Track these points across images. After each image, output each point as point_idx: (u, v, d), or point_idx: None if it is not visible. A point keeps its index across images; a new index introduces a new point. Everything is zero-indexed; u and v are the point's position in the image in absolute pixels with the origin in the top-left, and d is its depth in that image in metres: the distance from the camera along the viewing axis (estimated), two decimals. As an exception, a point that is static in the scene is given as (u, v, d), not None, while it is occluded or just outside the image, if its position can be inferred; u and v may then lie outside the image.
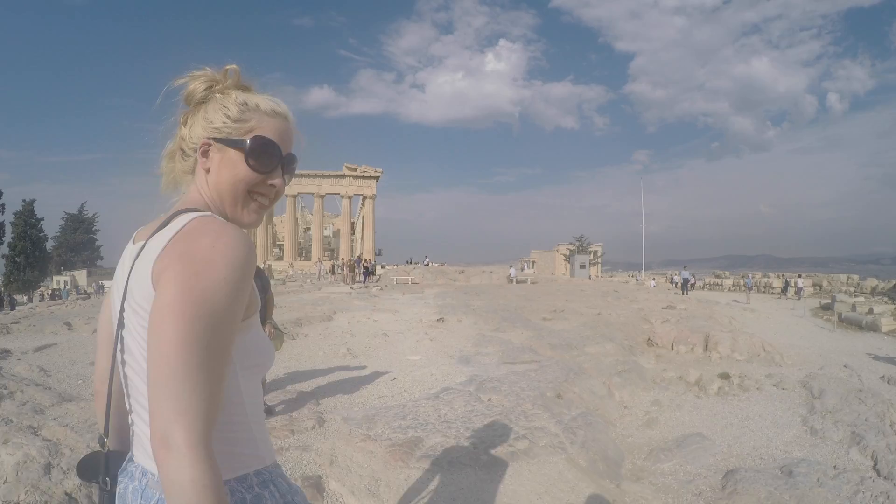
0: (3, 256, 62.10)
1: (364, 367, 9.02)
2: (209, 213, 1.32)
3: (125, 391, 1.34)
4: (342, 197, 69.18)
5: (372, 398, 7.15)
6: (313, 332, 13.31)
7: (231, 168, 1.37)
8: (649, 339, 13.13)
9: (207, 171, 1.39)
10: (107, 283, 51.91)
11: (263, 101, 1.42)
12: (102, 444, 1.45)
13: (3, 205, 49.32)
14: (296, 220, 73.10)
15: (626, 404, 7.69)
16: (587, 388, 7.59)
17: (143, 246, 1.28)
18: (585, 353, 10.26)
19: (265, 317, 6.02)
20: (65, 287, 60.16)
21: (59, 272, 71.40)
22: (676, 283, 50.83)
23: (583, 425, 5.65)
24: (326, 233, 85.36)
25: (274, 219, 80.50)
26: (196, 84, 1.42)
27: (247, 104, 1.40)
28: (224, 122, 1.38)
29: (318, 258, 60.57)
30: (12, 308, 35.13)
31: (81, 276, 67.43)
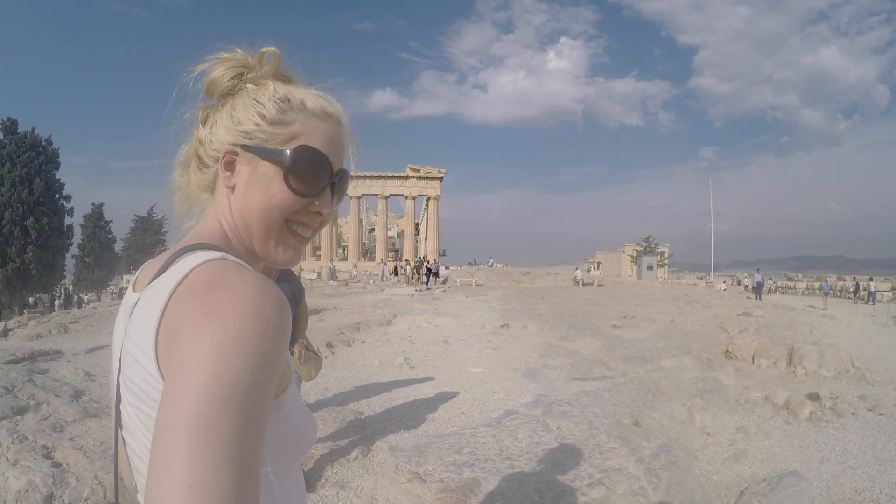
0: (73, 257, 63.72)
1: (421, 381, 8.52)
2: (220, 255, 0.93)
3: (132, 472, 0.96)
4: (406, 198, 69.56)
5: (426, 421, 6.61)
6: (371, 338, 12.93)
7: (264, 188, 0.99)
8: (728, 350, 12.28)
9: (232, 189, 1.02)
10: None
11: (311, 97, 1.04)
12: None
13: (72, 208, 50.71)
14: (360, 221, 73.71)
15: (708, 430, 6.94)
16: (667, 412, 6.88)
17: (137, 302, 0.93)
18: (661, 368, 9.55)
19: (296, 335, 4.93)
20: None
21: (128, 271, 73.47)
22: (747, 287, 49.12)
23: (666, 464, 4.96)
24: (391, 233, 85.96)
25: (339, 220, 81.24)
26: (222, 70, 1.04)
27: (289, 100, 1.02)
28: (257, 125, 1.00)
29: (381, 259, 60.68)
30: (79, 306, 35.89)
31: (150, 275, 67.97)
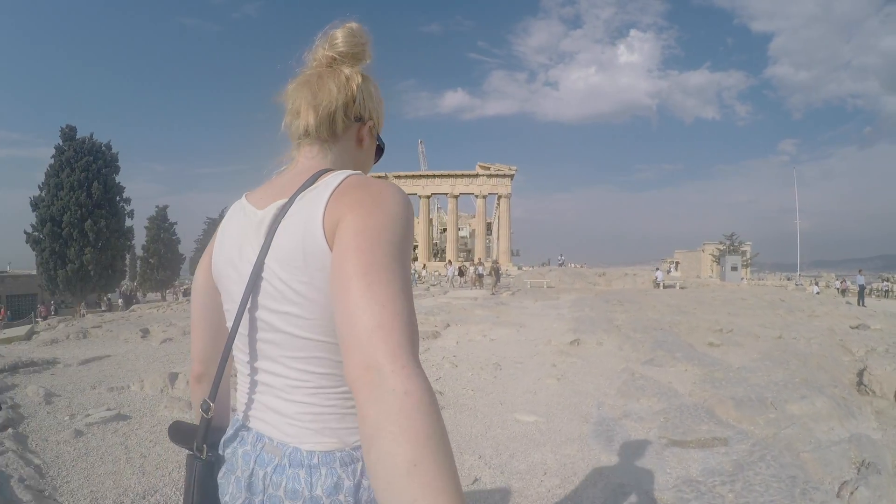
0: (138, 258, 66.66)
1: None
2: (359, 172, 1.30)
3: (247, 363, 1.33)
4: (476, 196, 67.89)
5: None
6: (406, 359, 10.19)
7: (371, 155, 1.53)
8: (860, 381, 9.26)
9: (360, 142, 1.46)
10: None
11: None
12: (207, 410, 1.38)
13: (132, 210, 51.25)
14: (430, 220, 72.28)
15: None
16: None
17: (288, 204, 1.24)
18: (788, 417, 6.66)
19: None
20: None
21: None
22: (838, 289, 45.07)
23: None
24: (463, 233, 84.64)
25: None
26: (369, 49, 1.44)
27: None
28: (378, 116, 1.51)
29: (449, 260, 58.59)
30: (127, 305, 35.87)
31: (220, 274, 68.09)
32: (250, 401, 1.32)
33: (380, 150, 1.54)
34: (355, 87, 1.37)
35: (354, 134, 1.41)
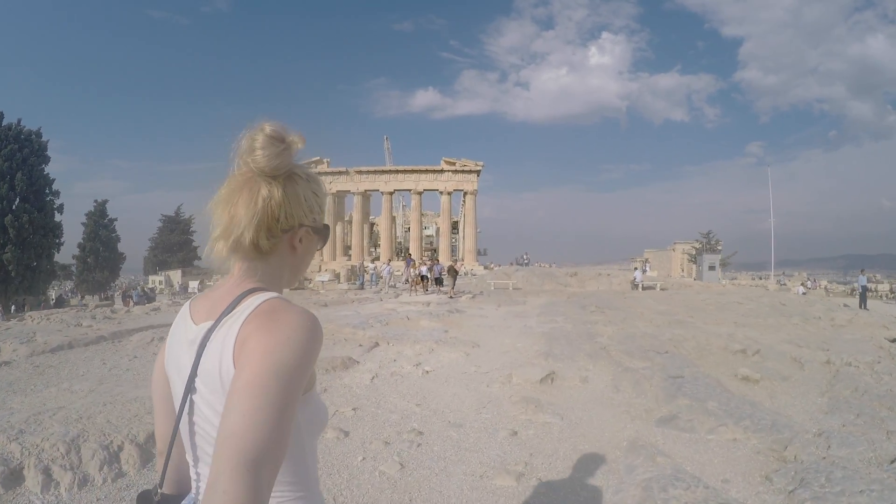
0: (73, 257, 61.12)
1: None
2: (276, 295, 1.35)
3: (193, 452, 1.38)
4: (441, 193, 64.41)
5: None
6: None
7: (311, 251, 1.50)
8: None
9: (295, 251, 1.45)
10: (192, 284, 53.99)
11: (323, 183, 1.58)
12: (155, 493, 1.49)
13: (61, 205, 47.06)
14: (392, 218, 69.04)
15: None
16: None
17: (213, 327, 1.32)
18: None
19: None
20: (140, 287, 58.20)
21: (154, 272, 73.23)
22: (809, 288, 42.55)
23: None
24: (428, 232, 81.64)
25: (374, 218, 76.48)
26: (287, 157, 1.41)
27: (324, 191, 1.53)
28: (319, 211, 1.49)
29: (388, 259, 54.73)
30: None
31: (176, 275, 67.71)
32: (198, 484, 1.39)
33: (324, 235, 1.52)
34: (276, 207, 1.36)
35: (287, 243, 1.41)
